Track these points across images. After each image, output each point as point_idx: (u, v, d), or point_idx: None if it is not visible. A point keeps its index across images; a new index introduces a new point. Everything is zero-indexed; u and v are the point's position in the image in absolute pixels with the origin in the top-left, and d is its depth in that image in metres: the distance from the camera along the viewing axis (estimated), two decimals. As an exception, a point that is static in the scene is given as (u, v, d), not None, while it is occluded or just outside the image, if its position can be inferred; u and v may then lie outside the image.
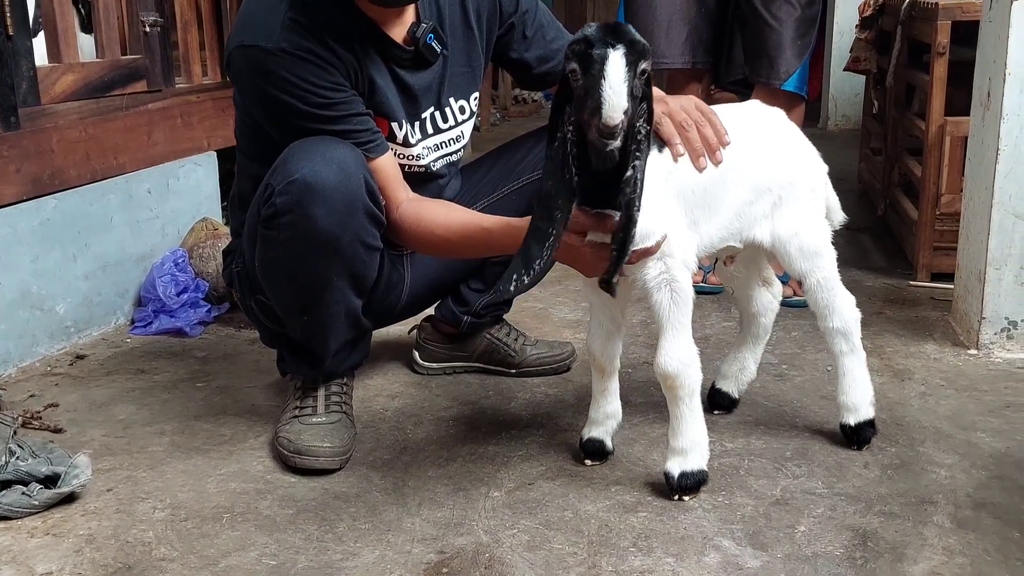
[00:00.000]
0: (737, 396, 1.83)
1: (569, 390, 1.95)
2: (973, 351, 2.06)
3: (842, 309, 1.64)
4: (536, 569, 1.33)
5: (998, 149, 2.00)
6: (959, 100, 2.51)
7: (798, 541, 1.37)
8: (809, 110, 5.93)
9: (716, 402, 1.84)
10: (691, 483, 1.50)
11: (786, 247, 1.61)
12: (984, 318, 2.04)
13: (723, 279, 1.70)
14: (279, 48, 1.49)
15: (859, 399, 1.64)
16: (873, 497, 1.49)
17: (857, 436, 1.64)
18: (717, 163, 1.54)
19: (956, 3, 2.54)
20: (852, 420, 1.64)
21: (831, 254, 1.64)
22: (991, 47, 2.08)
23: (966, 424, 1.73)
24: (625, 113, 1.24)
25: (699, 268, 2.59)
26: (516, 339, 2.04)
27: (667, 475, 1.51)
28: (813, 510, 1.46)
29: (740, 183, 1.57)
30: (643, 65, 1.27)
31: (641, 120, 1.32)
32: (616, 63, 1.24)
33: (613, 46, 1.25)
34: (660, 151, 1.48)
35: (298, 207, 1.49)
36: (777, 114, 1.71)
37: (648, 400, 1.88)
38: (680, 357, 1.49)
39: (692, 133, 1.51)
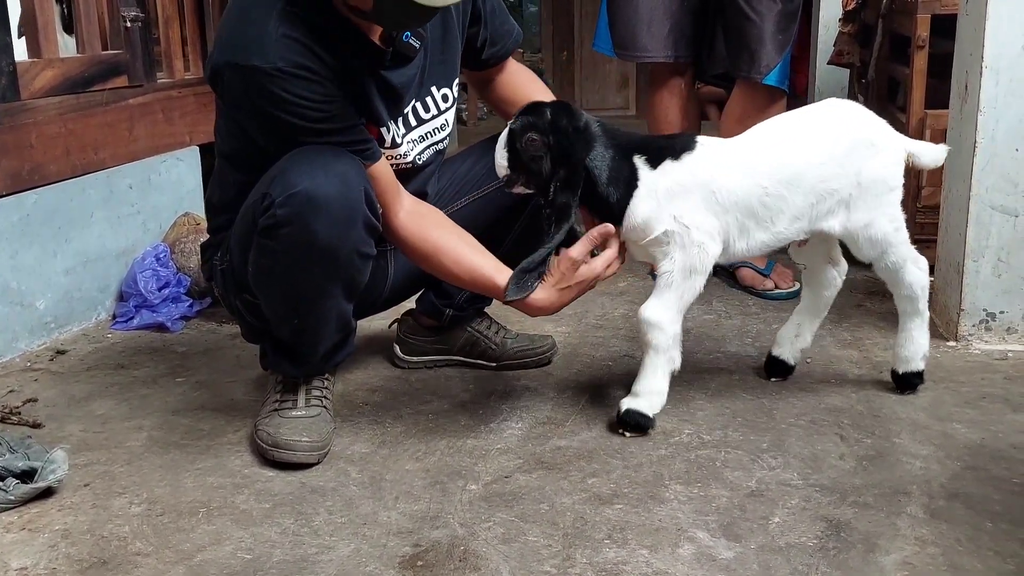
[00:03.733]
0: (793, 363, 1.92)
1: (549, 383, 1.95)
2: (952, 343, 2.07)
3: (910, 281, 1.76)
4: (510, 561, 1.34)
5: (975, 142, 2.01)
6: (942, 93, 2.52)
7: (772, 532, 1.38)
8: (797, 104, 5.96)
9: (773, 370, 1.93)
10: (632, 421, 1.69)
11: (856, 238, 1.73)
12: (963, 310, 2.05)
13: (793, 255, 1.88)
14: (275, 68, 1.47)
15: (912, 353, 1.79)
16: (847, 488, 1.49)
17: (904, 383, 1.82)
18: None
19: (936, -3, 2.54)
20: (902, 369, 1.81)
21: (902, 236, 1.74)
22: (968, 40, 2.08)
23: (942, 415, 1.73)
24: (510, 170, 1.63)
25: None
26: (497, 332, 2.05)
27: (617, 411, 1.71)
28: (788, 501, 1.46)
29: (803, 192, 1.67)
30: (531, 135, 1.60)
31: (556, 177, 1.61)
32: (504, 133, 1.63)
33: (515, 120, 1.63)
34: (653, 168, 1.65)
35: (299, 219, 1.49)
36: (852, 111, 1.75)
37: (627, 393, 1.88)
38: (658, 316, 1.65)
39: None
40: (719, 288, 2.54)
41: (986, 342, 2.04)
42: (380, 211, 1.58)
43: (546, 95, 1.82)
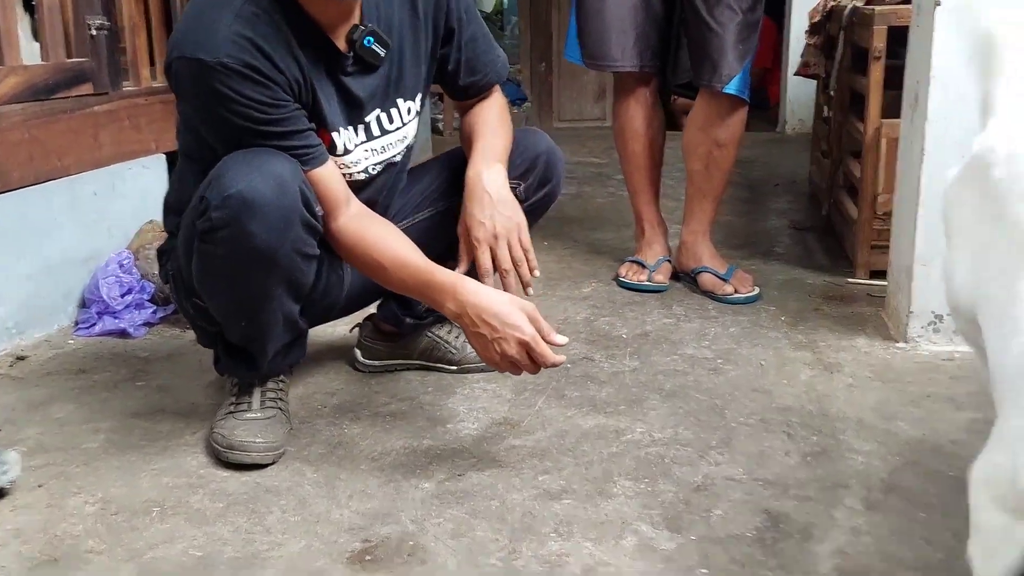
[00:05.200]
0: None
1: (508, 385, 1.98)
2: (901, 344, 2.11)
3: None
4: (458, 555, 1.36)
5: (923, 150, 2.06)
6: (899, 104, 2.58)
7: (713, 524, 1.41)
8: (769, 115, 6.05)
9: None
10: None
11: None
12: (912, 312, 2.10)
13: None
14: (220, 63, 1.48)
15: None
16: (790, 482, 1.53)
17: None
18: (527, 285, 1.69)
19: (891, 9, 2.60)
20: None
21: None
22: (918, 52, 2.14)
23: (888, 414, 1.77)
24: None
25: (643, 266, 2.65)
26: (458, 337, 2.07)
27: None
28: (731, 495, 1.49)
29: None
30: None
31: None
32: None
33: None
34: None
35: (235, 222, 1.50)
36: None
37: (583, 394, 1.91)
38: None
39: (510, 279, 1.68)
40: (680, 292, 2.58)
41: (934, 343, 2.09)
42: (320, 212, 1.59)
43: (495, 139, 1.77)
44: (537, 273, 1.72)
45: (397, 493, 1.54)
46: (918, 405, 1.81)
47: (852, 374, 1.97)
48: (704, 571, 1.30)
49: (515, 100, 6.15)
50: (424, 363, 2.07)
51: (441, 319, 2.08)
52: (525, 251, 1.70)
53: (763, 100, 6.22)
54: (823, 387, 1.91)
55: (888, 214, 2.53)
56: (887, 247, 2.40)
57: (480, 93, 1.85)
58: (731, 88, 2.48)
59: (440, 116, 5.66)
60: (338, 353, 2.16)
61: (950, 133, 2.04)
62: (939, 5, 2.00)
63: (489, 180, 1.70)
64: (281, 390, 1.78)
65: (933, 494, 1.48)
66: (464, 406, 1.88)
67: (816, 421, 1.76)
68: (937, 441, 1.65)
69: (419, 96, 1.79)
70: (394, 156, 1.79)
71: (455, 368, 2.05)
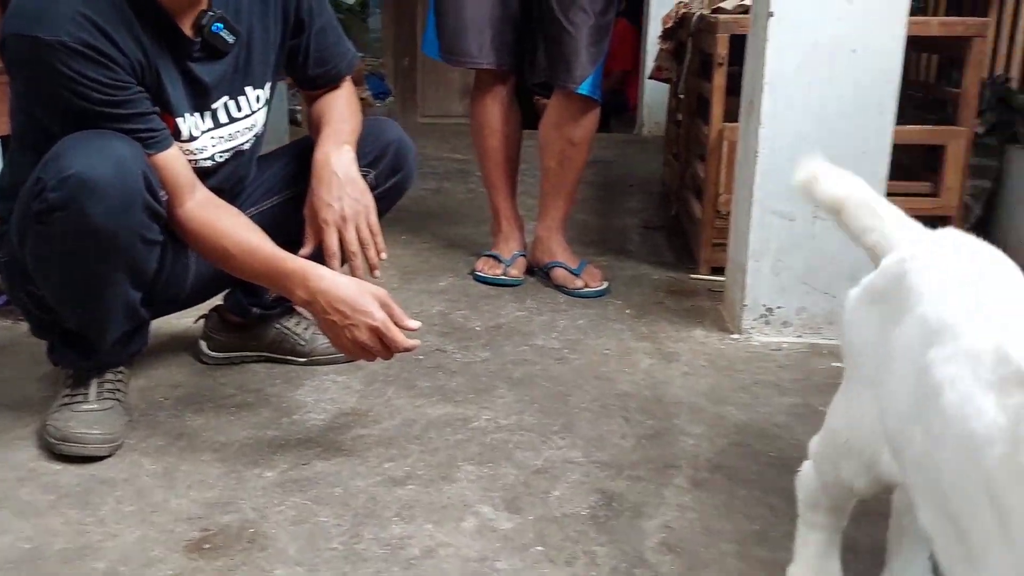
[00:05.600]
0: None
1: (358, 376, 1.98)
2: (735, 335, 2.23)
3: None
4: (299, 541, 1.37)
5: (757, 152, 2.18)
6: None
7: (551, 504, 1.47)
8: (627, 118, 6.22)
9: None
10: None
11: None
12: (745, 305, 2.22)
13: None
14: (59, 41, 1.43)
15: None
16: (625, 464, 1.60)
17: None
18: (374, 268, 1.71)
19: (733, 18, 2.74)
20: None
21: None
22: (754, 59, 2.26)
23: (719, 399, 1.88)
24: None
25: (499, 261, 2.70)
26: (307, 329, 2.06)
27: None
28: (569, 477, 1.55)
29: None
30: None
31: None
32: None
33: None
34: None
35: (73, 203, 1.45)
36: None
37: (434, 384, 1.94)
38: None
39: (357, 261, 1.69)
40: (534, 286, 2.65)
41: (765, 335, 2.22)
42: (164, 197, 1.56)
43: (344, 124, 1.79)
44: (384, 256, 1.73)
45: (239, 483, 1.53)
46: (747, 391, 1.92)
47: (688, 363, 2.08)
48: (540, 548, 1.35)
49: (378, 94, 6.12)
50: (272, 355, 2.05)
51: (289, 310, 2.06)
52: (373, 234, 1.71)
53: (623, 103, 6.42)
54: (661, 375, 2.01)
55: (729, 213, 2.67)
56: (727, 245, 2.53)
57: (329, 84, 1.85)
58: (584, 89, 2.56)
59: (299, 107, 5.59)
60: (183, 344, 2.11)
61: (781, 137, 2.17)
62: (772, 16, 2.12)
63: (337, 162, 1.71)
64: (120, 381, 1.73)
65: (754, 472, 1.58)
66: (312, 397, 1.88)
67: (652, 406, 1.84)
68: (761, 424, 1.76)
69: (268, 84, 1.78)
70: (242, 144, 1.77)
71: (304, 360, 2.04)
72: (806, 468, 1.19)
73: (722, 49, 2.72)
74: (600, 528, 1.40)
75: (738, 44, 2.68)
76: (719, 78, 2.74)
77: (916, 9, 2.25)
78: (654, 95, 5.63)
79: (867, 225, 1.12)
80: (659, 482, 1.54)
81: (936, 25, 2.67)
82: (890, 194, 2.19)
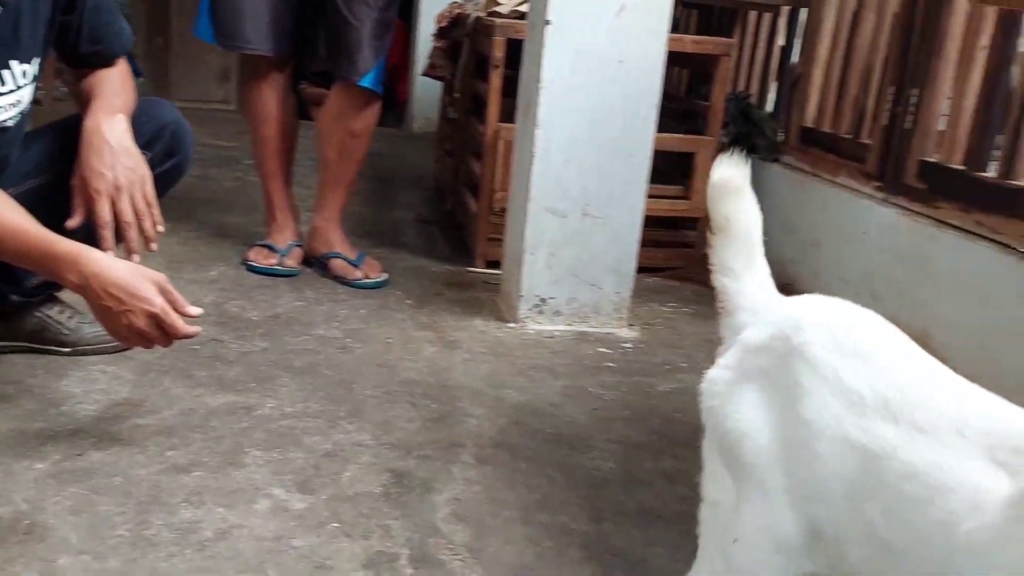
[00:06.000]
0: None
1: (129, 367, 1.90)
2: (512, 324, 2.35)
3: None
4: (80, 530, 1.31)
5: (533, 152, 2.31)
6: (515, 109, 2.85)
7: (343, 484, 1.50)
8: (398, 114, 6.26)
9: None
10: None
11: None
12: (521, 296, 2.35)
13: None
14: None
15: None
16: (413, 444, 1.66)
17: None
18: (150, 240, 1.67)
19: (510, 23, 2.86)
20: None
21: None
22: (530, 63, 2.39)
23: (498, 383, 1.98)
24: None
25: (274, 251, 2.67)
26: (71, 317, 1.95)
27: None
28: (359, 458, 1.59)
29: None
30: None
31: None
32: None
33: None
34: None
35: None
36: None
37: (212, 374, 1.90)
38: None
39: (132, 232, 1.64)
40: (311, 277, 2.64)
41: (539, 323, 2.35)
42: None
43: (116, 97, 1.74)
44: (161, 228, 1.67)
45: (7, 476, 1.44)
46: (524, 375, 2.04)
47: (469, 350, 2.17)
48: (335, 525, 1.38)
49: (130, 74, 5.78)
50: (32, 345, 1.92)
51: (52, 298, 1.95)
52: (149, 205, 1.65)
53: (392, 97, 6.45)
54: (443, 361, 2.08)
55: (504, 210, 2.79)
56: (502, 240, 2.65)
57: (102, 64, 1.78)
58: (366, 82, 2.58)
59: (40, 86, 5.16)
60: (-72, 333, 1.94)
61: (556, 139, 2.31)
62: (548, 24, 2.25)
63: (110, 130, 1.64)
64: None
65: (532, 448, 1.69)
66: (80, 388, 1.79)
67: (436, 391, 1.91)
68: (538, 405, 1.88)
69: (36, 60, 1.68)
70: (5, 121, 1.66)
71: (68, 350, 1.93)
72: None
73: (499, 52, 2.83)
74: (393, 504, 1.45)
75: (514, 47, 2.81)
76: (496, 79, 2.86)
77: (671, 27, 2.46)
78: (425, 92, 5.69)
79: (731, 267, 1.07)
80: (446, 460, 1.61)
81: (689, 43, 2.94)
82: (649, 196, 2.41)
